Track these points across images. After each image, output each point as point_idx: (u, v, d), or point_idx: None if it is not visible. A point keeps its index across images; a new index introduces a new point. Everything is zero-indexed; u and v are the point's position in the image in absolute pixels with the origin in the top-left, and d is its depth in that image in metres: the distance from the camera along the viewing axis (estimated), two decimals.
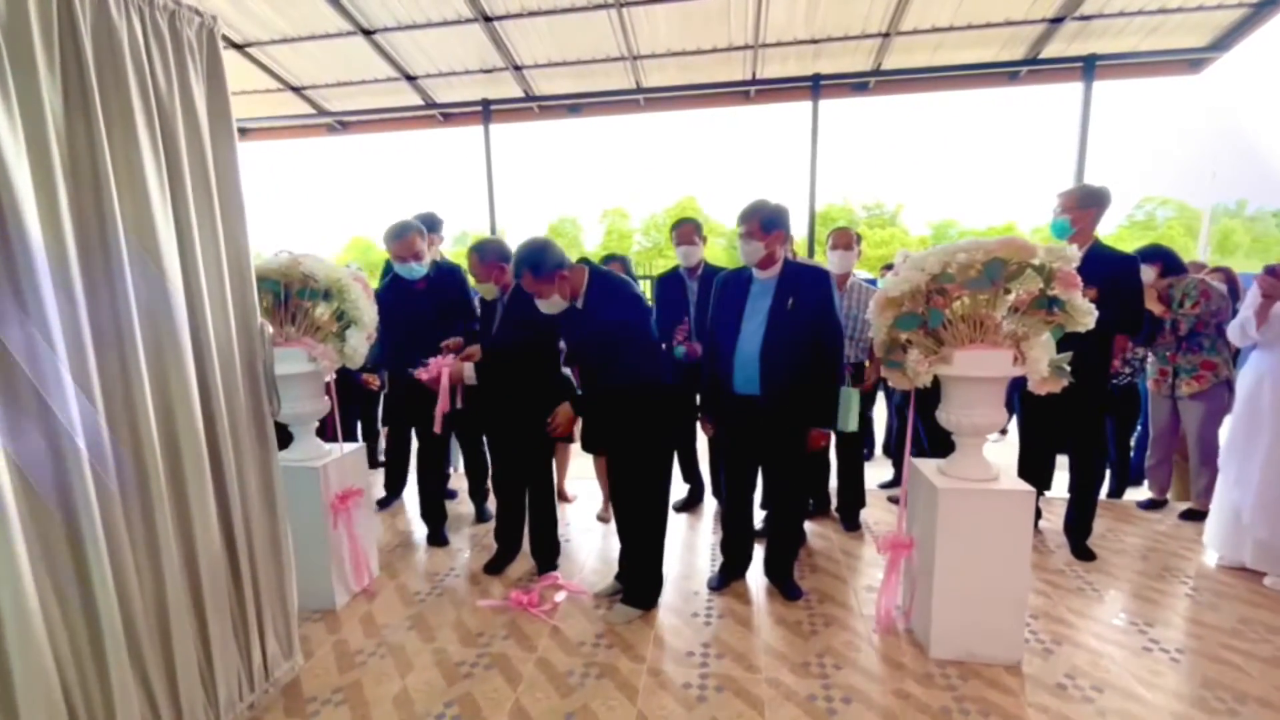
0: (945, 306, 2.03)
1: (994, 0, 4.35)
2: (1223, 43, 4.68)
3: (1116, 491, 3.95)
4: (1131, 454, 4.05)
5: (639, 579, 2.46)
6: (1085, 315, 1.92)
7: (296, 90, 5.65)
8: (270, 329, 1.86)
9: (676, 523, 3.37)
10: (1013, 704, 1.89)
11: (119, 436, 1.43)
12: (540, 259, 2.21)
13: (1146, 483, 3.65)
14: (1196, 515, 3.26)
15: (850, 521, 3.25)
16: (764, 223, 2.34)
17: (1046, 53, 4.85)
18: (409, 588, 2.69)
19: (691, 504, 3.60)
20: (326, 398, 2.52)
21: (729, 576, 2.67)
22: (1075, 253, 1.90)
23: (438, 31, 4.74)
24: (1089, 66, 4.80)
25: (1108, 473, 4.04)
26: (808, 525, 3.22)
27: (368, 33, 4.72)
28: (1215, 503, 2.81)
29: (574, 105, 5.79)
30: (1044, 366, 1.95)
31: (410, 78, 5.43)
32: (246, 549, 1.79)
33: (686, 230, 3.21)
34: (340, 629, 2.37)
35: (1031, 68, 4.99)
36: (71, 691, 1.32)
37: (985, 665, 2.06)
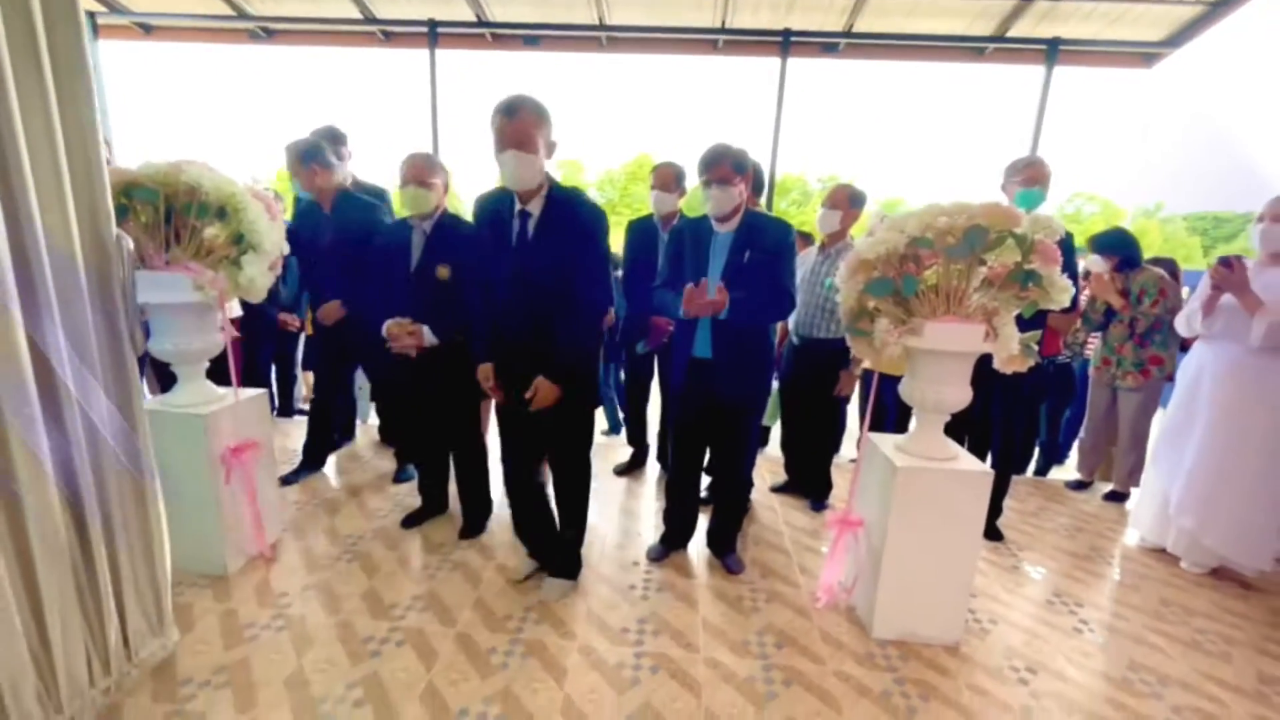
0: (918, 274, 1.90)
1: None
2: (1177, 39, 4.74)
3: (1043, 470, 4.09)
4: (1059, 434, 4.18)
5: (570, 547, 2.27)
6: (1061, 293, 1.82)
7: None
8: (130, 242, 1.50)
9: (616, 487, 3.21)
10: (950, 687, 1.84)
11: None
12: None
13: (1076, 463, 3.75)
14: (1119, 497, 3.38)
15: (818, 502, 3.11)
16: (736, 164, 2.13)
17: (1014, 31, 4.79)
18: (315, 551, 2.41)
19: (634, 467, 3.44)
20: (220, 334, 2.15)
21: (670, 547, 2.53)
22: (1061, 225, 1.79)
23: None
24: (1052, 49, 4.79)
25: (1036, 451, 4.18)
26: (778, 500, 3.14)
27: None
28: (1144, 487, 2.88)
29: (530, 36, 5.29)
30: (1015, 344, 1.85)
31: None
32: (98, 508, 1.48)
33: (665, 174, 2.88)
34: (230, 597, 2.08)
35: (998, 45, 4.92)
36: None
37: (925, 646, 2.02)
